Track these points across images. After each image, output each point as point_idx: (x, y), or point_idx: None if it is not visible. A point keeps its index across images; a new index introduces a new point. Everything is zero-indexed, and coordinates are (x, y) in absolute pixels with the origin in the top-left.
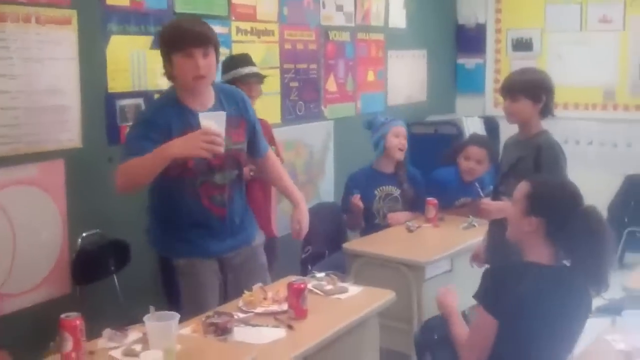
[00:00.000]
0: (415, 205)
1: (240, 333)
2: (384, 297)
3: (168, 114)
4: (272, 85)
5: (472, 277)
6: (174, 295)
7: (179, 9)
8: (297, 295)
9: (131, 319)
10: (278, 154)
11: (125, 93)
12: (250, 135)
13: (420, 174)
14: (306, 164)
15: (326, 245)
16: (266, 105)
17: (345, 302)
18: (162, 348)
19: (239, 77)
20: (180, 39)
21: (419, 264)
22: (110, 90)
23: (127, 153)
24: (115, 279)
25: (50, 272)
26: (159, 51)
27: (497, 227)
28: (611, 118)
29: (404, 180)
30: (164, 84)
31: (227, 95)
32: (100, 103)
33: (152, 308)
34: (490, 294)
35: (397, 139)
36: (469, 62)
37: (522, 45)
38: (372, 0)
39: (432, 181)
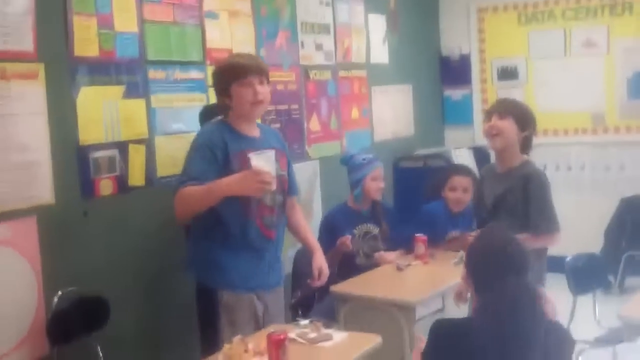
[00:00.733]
0: (393, 242)
1: None
2: (370, 342)
3: (224, 136)
4: None
5: (464, 315)
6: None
7: (152, 56)
8: (276, 347)
9: None
10: None
11: (98, 145)
12: (289, 170)
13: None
14: None
15: (315, 288)
16: None
17: (329, 350)
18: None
19: None
20: (240, 70)
21: (410, 304)
22: (82, 143)
23: (187, 177)
24: (95, 338)
25: (26, 334)
26: (134, 100)
27: None
28: (602, 142)
29: (382, 217)
30: (139, 133)
31: (268, 131)
32: (72, 157)
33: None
34: (435, 352)
35: (375, 182)
36: (455, 93)
37: (508, 73)
38: (352, 37)
39: (422, 217)
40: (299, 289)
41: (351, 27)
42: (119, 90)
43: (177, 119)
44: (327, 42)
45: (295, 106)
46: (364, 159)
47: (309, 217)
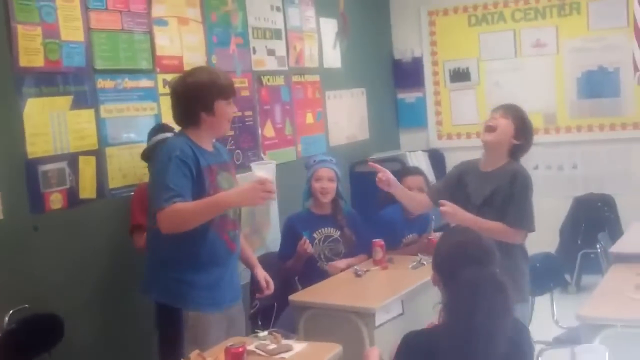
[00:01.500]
0: (358, 247)
1: None
2: (330, 351)
3: (193, 152)
4: None
5: (425, 318)
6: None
7: (100, 65)
8: None
9: None
10: None
11: (47, 157)
12: None
13: (357, 212)
14: (249, 213)
15: (274, 297)
16: None
17: None
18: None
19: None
20: (230, 89)
21: (369, 310)
22: (30, 156)
23: (171, 194)
24: (49, 356)
25: None
26: (83, 111)
27: None
28: (554, 141)
29: (342, 221)
30: (89, 144)
31: (218, 145)
32: (20, 170)
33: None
34: None
35: (319, 183)
36: (409, 96)
37: (460, 75)
38: (304, 42)
39: (379, 222)
40: (257, 299)
41: (303, 32)
42: (66, 100)
43: (128, 128)
44: (279, 47)
45: (249, 113)
46: (314, 160)
47: (267, 225)
